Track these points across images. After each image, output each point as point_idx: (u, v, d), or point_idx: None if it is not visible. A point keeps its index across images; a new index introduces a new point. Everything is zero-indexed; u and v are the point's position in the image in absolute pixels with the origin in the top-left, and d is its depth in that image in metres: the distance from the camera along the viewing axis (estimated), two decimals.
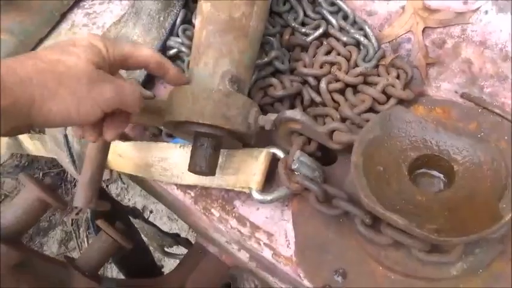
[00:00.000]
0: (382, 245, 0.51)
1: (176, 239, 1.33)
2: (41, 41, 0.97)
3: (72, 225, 2.14)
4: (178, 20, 0.77)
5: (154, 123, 0.67)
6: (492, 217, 0.42)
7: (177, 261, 1.38)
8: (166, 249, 1.44)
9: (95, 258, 0.91)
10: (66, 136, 0.84)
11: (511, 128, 0.56)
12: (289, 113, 0.59)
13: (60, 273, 0.80)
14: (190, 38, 0.75)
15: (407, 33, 0.69)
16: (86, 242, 2.10)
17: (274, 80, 0.67)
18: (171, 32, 0.77)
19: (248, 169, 0.61)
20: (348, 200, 0.52)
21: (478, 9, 0.65)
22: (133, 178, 1.08)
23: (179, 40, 0.76)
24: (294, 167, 0.56)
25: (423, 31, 0.68)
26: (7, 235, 0.69)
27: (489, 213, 0.43)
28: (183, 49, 0.75)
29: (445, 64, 0.66)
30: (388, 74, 0.65)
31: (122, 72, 0.78)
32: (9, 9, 0.94)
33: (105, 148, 0.65)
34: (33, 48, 0.96)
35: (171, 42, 0.76)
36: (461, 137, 0.48)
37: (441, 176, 0.50)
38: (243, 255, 0.92)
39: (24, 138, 1.09)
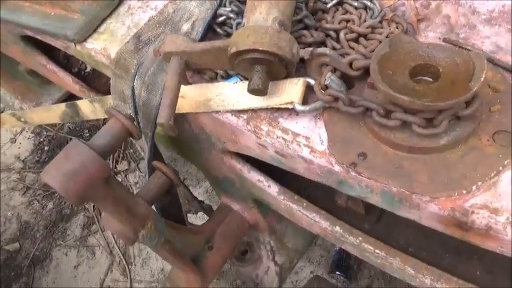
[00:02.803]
0: (393, 129, 0.72)
1: (202, 205, 1.52)
2: (104, 20, 1.19)
3: (94, 210, 2.31)
4: None
5: (217, 64, 0.88)
6: (466, 92, 0.64)
7: None
8: (189, 215, 1.64)
9: (152, 191, 1.11)
10: (133, 88, 1.05)
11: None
12: (321, 49, 0.81)
13: (128, 198, 1.00)
14: (237, 7, 0.98)
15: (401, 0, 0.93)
16: None
17: (305, 32, 0.90)
18: (220, 4, 1.00)
19: (290, 90, 0.82)
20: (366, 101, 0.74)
21: None
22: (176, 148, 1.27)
23: (228, 9, 0.98)
24: (326, 82, 0.78)
25: None
26: (100, 153, 0.89)
27: (464, 91, 0.65)
28: (232, 15, 0.97)
29: (430, 19, 0.90)
30: (389, 26, 0.89)
31: (184, 30, 1.00)
32: None
33: (180, 82, 0.86)
34: (98, 26, 1.19)
35: (221, 11, 0.99)
36: (444, 50, 0.71)
37: (430, 79, 0.73)
38: (273, 190, 1.13)
39: (82, 103, 1.29)
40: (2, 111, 2.60)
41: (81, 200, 0.88)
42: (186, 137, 1.18)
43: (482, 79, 0.64)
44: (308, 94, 0.84)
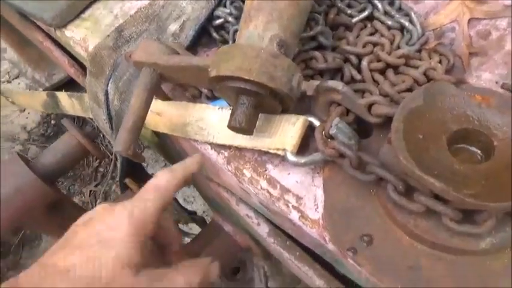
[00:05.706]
0: (413, 213, 0.52)
1: (193, 216, 1.35)
2: (91, 3, 1.01)
3: (89, 196, 2.18)
4: None
5: (198, 83, 0.69)
6: None
7: (188, 239, 1.40)
8: (180, 225, 1.47)
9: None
10: (107, 93, 0.87)
11: None
12: (331, 83, 0.60)
13: None
14: (238, 9, 0.78)
15: (452, 22, 0.71)
16: None
17: (317, 53, 0.68)
18: (219, 3, 0.80)
19: (284, 133, 0.62)
20: (382, 167, 0.53)
21: None
22: (159, 148, 1.11)
23: (227, 10, 0.78)
24: (331, 132, 0.57)
25: (468, 21, 0.69)
26: (45, 175, 0.72)
27: None
28: (230, 19, 0.77)
29: (488, 55, 0.67)
30: (430, 58, 0.67)
31: (170, 31, 0.81)
32: None
33: (149, 100, 0.68)
34: (82, 10, 1.00)
35: (218, 12, 0.79)
36: (504, 115, 0.49)
37: (478, 151, 0.51)
38: (262, 230, 0.94)
39: (62, 96, 1.13)
40: (17, 77, 2.52)
41: (15, 230, 0.72)
42: (171, 151, 1.01)
43: None
44: (310, 137, 0.64)
